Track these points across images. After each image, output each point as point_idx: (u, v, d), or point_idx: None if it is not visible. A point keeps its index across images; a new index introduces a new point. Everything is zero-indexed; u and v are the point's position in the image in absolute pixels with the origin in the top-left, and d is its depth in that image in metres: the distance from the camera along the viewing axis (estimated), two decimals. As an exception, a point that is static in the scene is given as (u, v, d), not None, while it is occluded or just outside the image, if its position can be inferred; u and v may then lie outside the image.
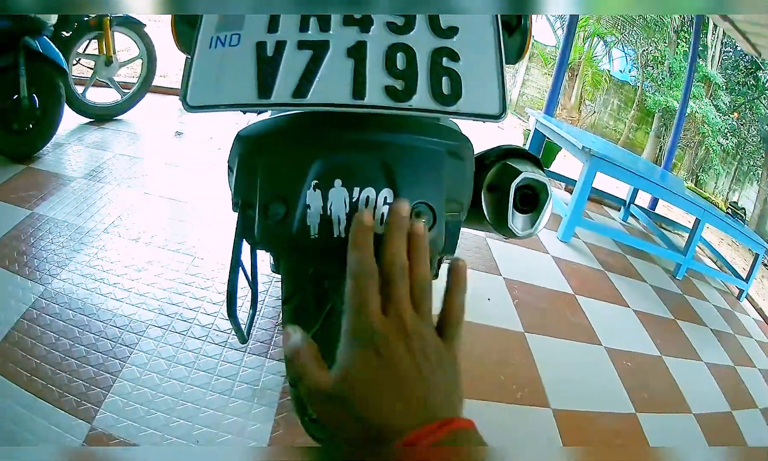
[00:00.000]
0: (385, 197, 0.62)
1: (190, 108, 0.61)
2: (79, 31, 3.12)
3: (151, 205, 2.37)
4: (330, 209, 0.61)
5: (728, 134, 11.84)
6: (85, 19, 3.14)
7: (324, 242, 0.61)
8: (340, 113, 0.62)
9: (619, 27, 10.35)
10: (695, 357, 2.75)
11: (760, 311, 4.41)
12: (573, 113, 9.99)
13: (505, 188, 0.83)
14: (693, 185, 4.70)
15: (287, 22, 0.62)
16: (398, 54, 0.61)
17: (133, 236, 2.06)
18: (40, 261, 1.81)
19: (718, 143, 11.64)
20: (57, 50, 2.57)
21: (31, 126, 2.53)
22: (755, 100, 12.14)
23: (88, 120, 3.30)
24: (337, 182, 0.62)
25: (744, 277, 4.35)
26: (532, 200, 0.85)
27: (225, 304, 0.80)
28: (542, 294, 2.63)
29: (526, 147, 4.55)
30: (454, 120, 0.82)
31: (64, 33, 3.05)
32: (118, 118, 3.47)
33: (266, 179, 0.65)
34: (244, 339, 0.84)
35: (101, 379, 1.40)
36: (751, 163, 12.46)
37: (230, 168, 0.72)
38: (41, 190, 2.30)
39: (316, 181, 0.62)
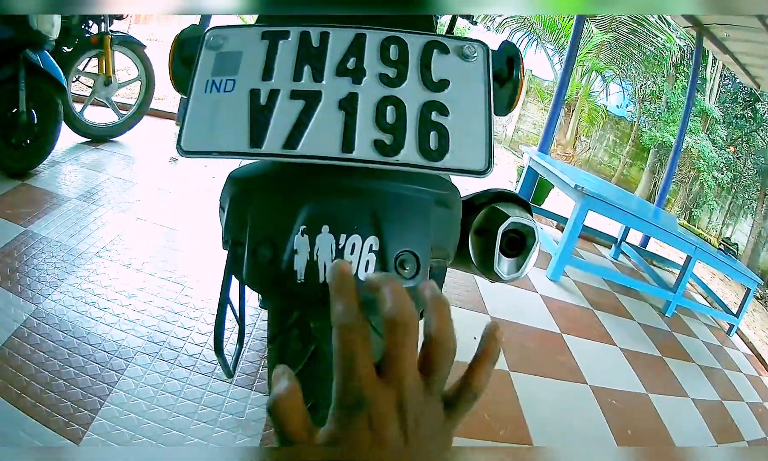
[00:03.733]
0: (371, 245, 0.63)
1: (185, 153, 0.63)
2: (80, 48, 3.15)
3: (143, 231, 2.39)
4: (317, 254, 0.63)
5: (724, 169, 11.89)
6: (87, 35, 3.18)
7: (310, 286, 0.63)
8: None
9: (618, 61, 10.43)
10: (681, 393, 2.76)
11: (750, 345, 4.44)
12: (568, 149, 10.01)
13: (493, 232, 0.85)
14: (685, 222, 4.73)
15: (281, 70, 0.65)
16: (389, 107, 0.63)
17: (124, 262, 2.08)
18: (32, 280, 1.82)
19: (714, 177, 11.66)
20: (57, 66, 2.59)
21: (28, 141, 2.54)
22: (752, 133, 12.21)
23: (84, 139, 3.32)
24: (325, 229, 0.63)
25: (735, 312, 4.37)
26: (519, 244, 0.88)
27: (212, 337, 0.82)
28: (529, 333, 2.64)
29: (519, 183, 4.61)
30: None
31: (65, 48, 3.08)
32: (114, 139, 3.48)
33: (256, 221, 0.67)
34: (230, 374, 0.85)
35: (89, 401, 1.41)
36: (746, 196, 12.52)
37: (222, 207, 0.74)
38: (36, 208, 2.32)
39: (304, 226, 0.64)
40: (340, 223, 0.63)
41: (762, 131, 12.09)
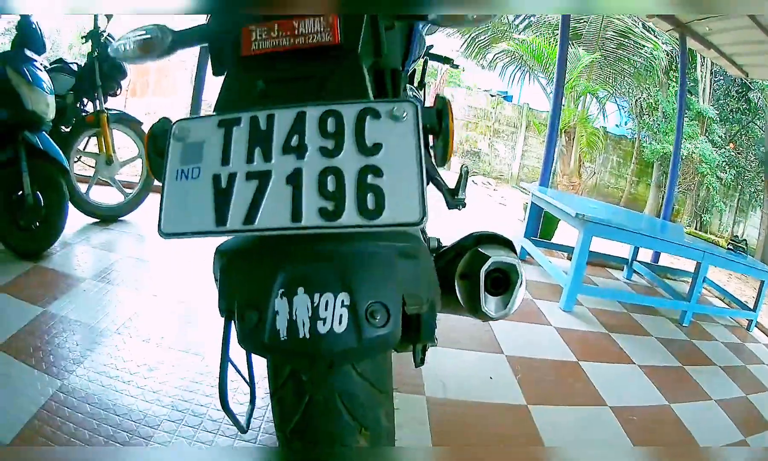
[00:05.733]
0: (343, 300, 0.69)
1: (165, 235, 0.72)
2: (78, 128, 3.25)
3: (159, 307, 2.45)
4: (295, 313, 0.69)
5: (726, 167, 11.86)
6: (83, 114, 3.29)
7: (292, 342, 0.69)
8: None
9: (609, 80, 10.52)
10: (704, 397, 2.75)
11: None
12: (573, 178, 9.99)
13: (476, 274, 0.91)
14: (693, 230, 4.76)
15: (237, 155, 0.73)
16: (329, 177, 0.69)
17: (144, 337, 2.14)
18: (55, 357, 1.88)
19: (718, 178, 11.65)
20: (57, 147, 2.67)
21: (38, 224, 2.62)
22: (750, 124, 12.24)
23: (93, 220, 3.41)
24: (300, 290, 0.70)
25: (752, 307, 4.36)
26: (504, 282, 0.93)
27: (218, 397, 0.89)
28: (545, 366, 2.65)
29: (525, 220, 4.66)
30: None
31: (63, 128, 3.18)
32: (122, 218, 3.56)
33: (241, 290, 0.75)
34: (243, 430, 0.95)
35: (120, 469, 1.45)
36: (752, 189, 12.49)
37: (215, 278, 0.83)
38: (52, 289, 2.38)
39: (282, 290, 0.70)
40: (313, 284, 0.70)
41: (758, 119, 12.09)
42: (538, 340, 2.96)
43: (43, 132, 2.64)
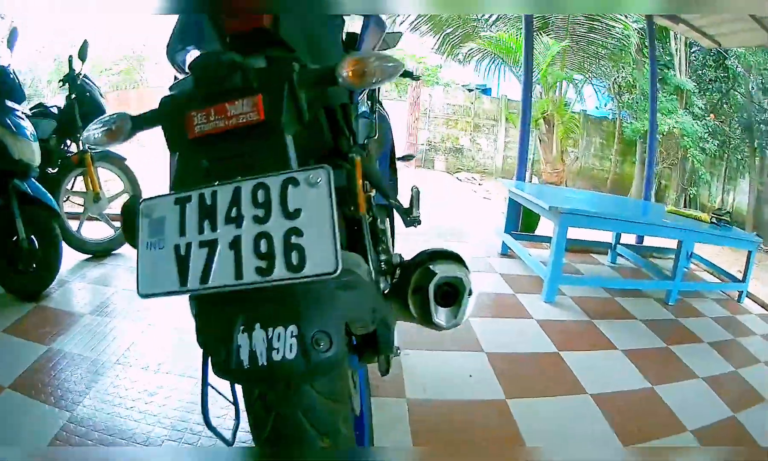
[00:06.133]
0: (292, 332, 0.83)
1: (142, 296, 0.87)
2: (65, 169, 3.36)
3: (155, 335, 2.57)
4: (254, 345, 0.83)
5: (709, 138, 11.88)
6: (68, 156, 3.39)
7: (254, 370, 0.83)
8: None
9: (585, 64, 10.57)
10: (691, 376, 2.77)
11: (762, 304, 4.49)
12: (557, 165, 10.07)
13: (425, 289, 1.05)
14: (674, 208, 4.80)
15: (190, 227, 0.86)
16: (262, 240, 0.82)
17: (142, 365, 2.26)
18: (63, 391, 2.01)
19: (702, 149, 11.69)
20: (46, 192, 2.78)
21: (35, 266, 2.74)
22: (730, 92, 12.22)
23: (87, 256, 3.52)
24: (257, 326, 0.84)
25: (741, 278, 4.44)
26: (453, 294, 1.07)
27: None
28: (524, 359, 2.71)
29: (504, 216, 4.73)
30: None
31: (50, 170, 3.27)
32: (115, 252, 3.68)
33: (211, 329, 0.90)
34: (228, 443, 1.12)
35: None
36: (739, 157, 12.48)
37: (193, 315, 0.96)
38: (54, 327, 2.52)
39: (243, 327, 0.84)
40: (267, 320, 0.84)
41: (738, 86, 12.08)
42: (519, 335, 3.01)
43: (32, 178, 2.74)
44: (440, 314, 1.08)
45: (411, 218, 1.59)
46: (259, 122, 0.89)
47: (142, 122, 1.02)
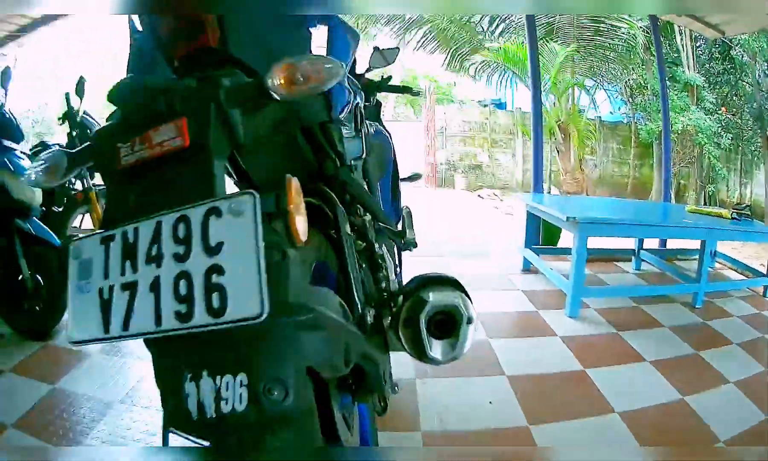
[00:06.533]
0: (241, 380, 0.73)
1: (73, 343, 0.80)
2: (69, 207, 3.34)
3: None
4: (202, 395, 0.74)
5: (722, 132, 11.69)
6: (72, 193, 3.37)
7: (202, 421, 0.74)
8: None
9: (594, 68, 10.48)
10: (722, 381, 2.65)
11: None
12: (576, 175, 9.93)
13: (416, 321, 0.93)
14: (695, 207, 4.65)
15: (113, 268, 0.78)
16: (181, 281, 0.73)
17: (144, 404, 2.22)
18: (67, 429, 2.00)
19: (717, 144, 11.51)
20: (49, 231, 2.74)
21: (42, 305, 2.69)
22: (738, 83, 12.05)
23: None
24: (205, 373, 0.75)
25: (765, 272, 4.32)
26: (449, 324, 0.94)
27: None
28: (548, 381, 2.58)
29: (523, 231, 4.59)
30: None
31: (55, 209, 3.26)
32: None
33: (161, 377, 0.82)
34: None
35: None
36: (753, 148, 12.24)
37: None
38: (61, 366, 2.49)
39: (190, 374, 0.75)
40: (215, 367, 0.75)
41: (745, 76, 11.90)
42: (542, 354, 2.88)
43: (34, 218, 2.71)
44: (435, 348, 0.95)
45: (406, 242, 1.48)
46: (185, 148, 0.80)
47: (77, 159, 0.95)
